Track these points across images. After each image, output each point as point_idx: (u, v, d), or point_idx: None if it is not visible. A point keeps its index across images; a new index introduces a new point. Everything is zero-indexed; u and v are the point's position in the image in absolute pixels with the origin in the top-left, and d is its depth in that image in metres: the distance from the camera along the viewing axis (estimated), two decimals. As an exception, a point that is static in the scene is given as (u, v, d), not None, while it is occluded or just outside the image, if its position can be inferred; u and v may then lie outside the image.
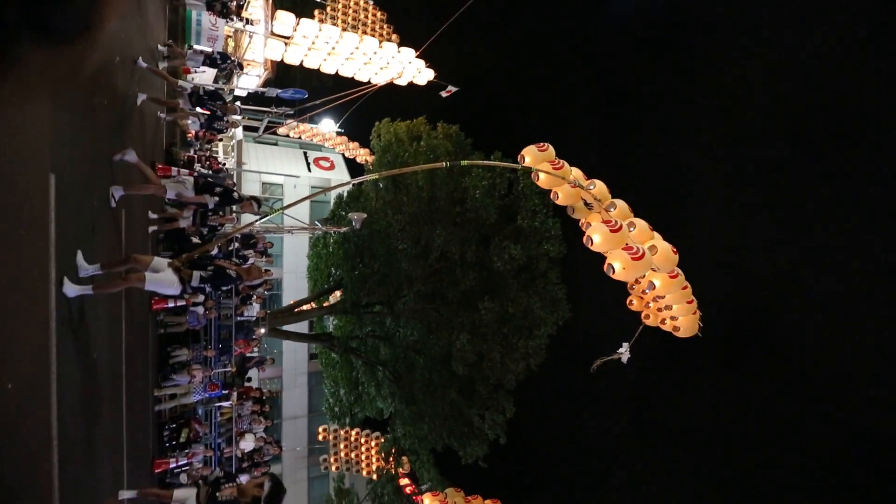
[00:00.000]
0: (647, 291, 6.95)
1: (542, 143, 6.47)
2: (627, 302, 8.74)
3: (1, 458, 2.73)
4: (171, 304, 8.65)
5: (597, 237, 5.85)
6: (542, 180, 6.48)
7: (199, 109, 8.91)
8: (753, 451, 31.43)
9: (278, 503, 3.56)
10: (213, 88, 8.62)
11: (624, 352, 8.12)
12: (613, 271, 5.77)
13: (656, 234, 6.45)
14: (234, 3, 11.31)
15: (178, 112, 8.50)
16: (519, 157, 6.62)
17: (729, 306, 30.16)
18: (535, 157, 6.47)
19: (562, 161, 6.48)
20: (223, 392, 10.58)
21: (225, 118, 8.61)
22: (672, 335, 8.63)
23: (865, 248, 28.85)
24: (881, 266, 28.01)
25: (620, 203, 6.44)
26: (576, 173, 6.60)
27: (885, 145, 28.92)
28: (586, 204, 6.80)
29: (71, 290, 3.86)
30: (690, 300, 7.34)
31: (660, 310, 8.11)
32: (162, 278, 4.82)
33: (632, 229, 6.09)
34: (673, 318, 7.85)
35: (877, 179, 28.57)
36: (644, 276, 7.13)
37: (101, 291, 4.33)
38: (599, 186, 6.51)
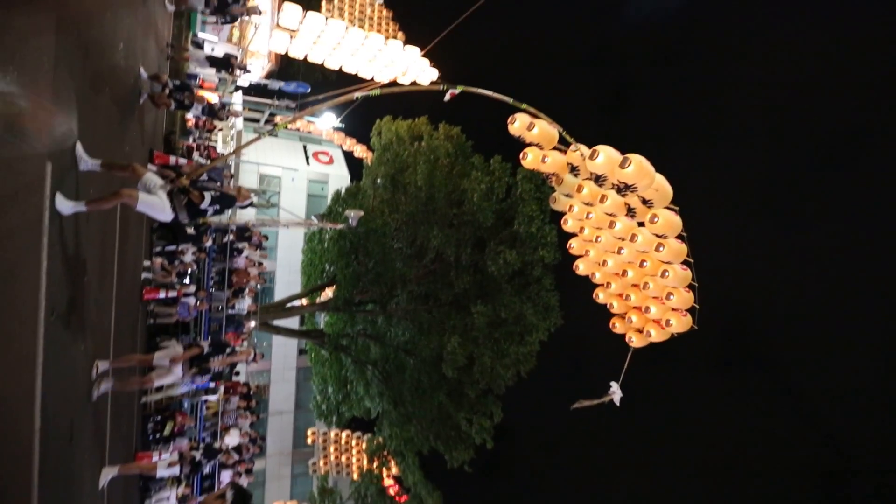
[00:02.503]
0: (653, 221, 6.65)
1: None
2: (610, 325, 8.55)
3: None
4: (161, 295, 8.54)
5: (601, 156, 5.94)
6: (534, 135, 6.61)
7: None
8: (745, 456, 31.72)
9: None
10: (182, 81, 8.42)
11: (614, 392, 7.81)
12: (628, 163, 5.69)
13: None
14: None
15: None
16: (509, 121, 6.77)
17: (723, 312, 30.36)
18: (524, 122, 6.66)
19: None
20: (210, 385, 10.44)
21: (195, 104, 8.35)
22: (661, 344, 8.48)
23: (857, 255, 29.22)
24: (873, 273, 28.38)
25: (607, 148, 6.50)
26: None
27: (882, 157, 29.32)
28: (572, 170, 6.85)
29: (65, 206, 3.75)
30: (685, 267, 7.18)
31: (646, 310, 7.87)
32: (154, 202, 4.58)
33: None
34: (670, 304, 7.52)
35: (874, 190, 28.97)
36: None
37: (95, 207, 4.16)
38: (583, 148, 6.56)
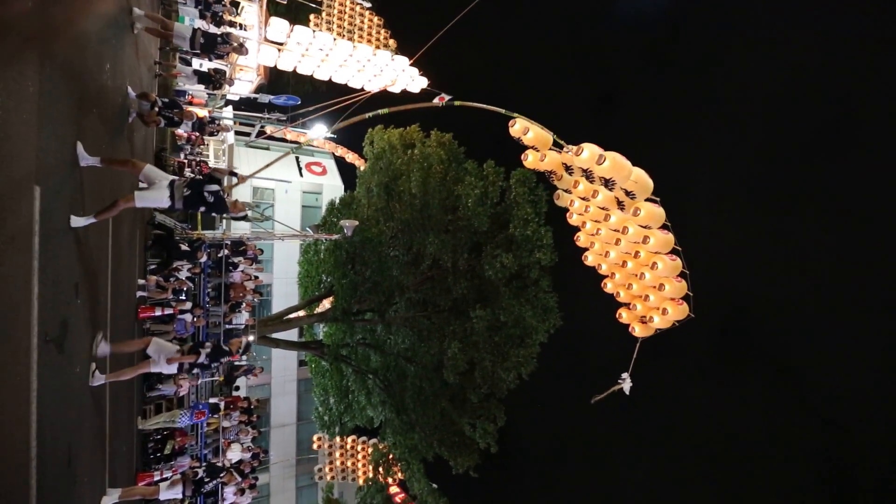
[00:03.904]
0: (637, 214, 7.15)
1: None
2: (616, 315, 8.84)
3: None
4: (157, 313, 8.50)
5: (586, 152, 6.55)
6: (530, 138, 7.23)
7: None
8: (750, 450, 31.68)
9: None
10: (171, 98, 8.57)
11: (625, 380, 8.14)
12: (603, 160, 6.34)
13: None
14: (227, 12, 11.19)
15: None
16: (510, 123, 7.40)
17: (723, 304, 30.46)
18: (524, 125, 7.30)
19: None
20: (209, 419, 10.30)
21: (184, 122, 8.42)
22: (661, 338, 8.73)
23: (855, 243, 29.39)
24: (872, 260, 28.54)
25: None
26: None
27: (870, 155, 29.57)
28: (567, 169, 7.35)
29: (78, 221, 4.21)
30: (678, 263, 7.52)
31: (646, 298, 8.19)
32: (149, 195, 5.02)
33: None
34: (664, 294, 7.82)
35: (864, 187, 29.19)
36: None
37: (102, 216, 4.61)
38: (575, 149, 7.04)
